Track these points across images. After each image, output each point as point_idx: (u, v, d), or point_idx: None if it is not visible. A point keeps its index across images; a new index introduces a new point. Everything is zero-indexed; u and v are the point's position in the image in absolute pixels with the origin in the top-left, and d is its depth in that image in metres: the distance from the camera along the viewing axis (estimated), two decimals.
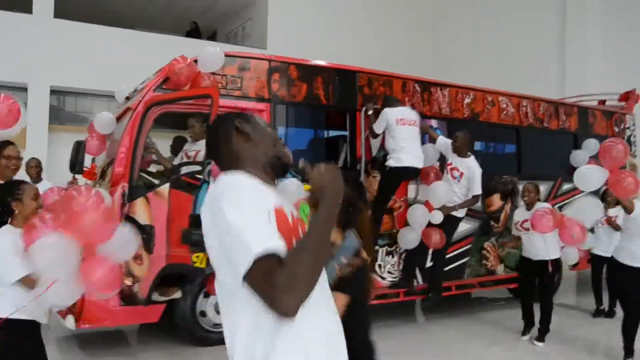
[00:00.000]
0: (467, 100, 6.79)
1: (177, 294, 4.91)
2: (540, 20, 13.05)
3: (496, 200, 7.05)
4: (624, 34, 11.37)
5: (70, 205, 2.54)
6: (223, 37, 16.81)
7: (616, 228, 6.11)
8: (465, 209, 6.09)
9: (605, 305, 6.80)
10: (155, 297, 4.85)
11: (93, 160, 5.88)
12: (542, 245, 5.67)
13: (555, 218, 5.43)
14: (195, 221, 4.24)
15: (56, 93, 11.99)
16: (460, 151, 5.98)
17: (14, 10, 11.26)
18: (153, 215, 4.40)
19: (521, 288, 6.19)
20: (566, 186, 7.70)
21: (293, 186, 3.76)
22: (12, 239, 2.85)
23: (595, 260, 6.81)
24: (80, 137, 5.95)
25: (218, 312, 5.13)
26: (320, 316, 1.51)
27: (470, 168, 5.93)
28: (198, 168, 4.66)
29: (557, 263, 5.91)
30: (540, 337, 5.60)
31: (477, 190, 5.97)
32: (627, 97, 8.99)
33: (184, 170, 4.67)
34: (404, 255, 6.15)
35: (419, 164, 5.72)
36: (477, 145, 7.55)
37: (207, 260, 4.60)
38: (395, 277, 6.14)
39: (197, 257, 4.29)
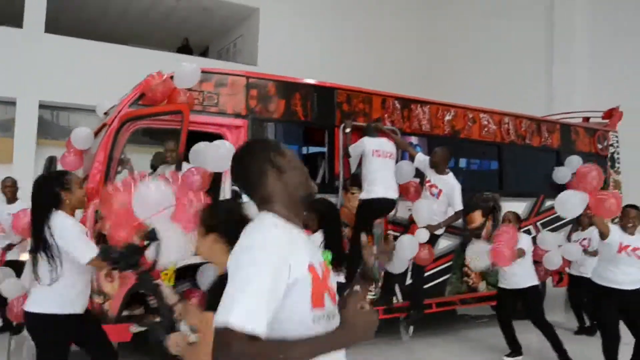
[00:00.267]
0: (447, 117, 6.83)
1: (157, 319, 4.87)
2: (529, 38, 13.19)
3: (477, 217, 7.06)
4: (611, 52, 11.49)
5: None
6: (215, 53, 16.93)
7: (593, 255, 6.10)
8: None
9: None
10: (133, 328, 4.83)
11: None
12: (516, 271, 5.66)
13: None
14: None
15: (49, 108, 12.03)
16: (438, 167, 6.00)
17: (5, 25, 11.31)
18: None
19: (498, 316, 6.04)
20: (549, 203, 7.73)
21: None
22: (74, 222, 3.17)
23: (572, 281, 6.82)
24: None
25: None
26: None
27: (449, 184, 5.94)
28: None
29: (536, 288, 5.87)
30: None
31: (458, 206, 5.97)
32: (610, 114, 9.07)
33: None
34: (382, 272, 6.13)
35: (392, 195, 5.67)
36: (459, 162, 7.60)
37: (175, 278, 4.60)
38: (374, 295, 6.12)
39: (166, 274, 4.27)
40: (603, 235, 4.87)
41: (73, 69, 11.28)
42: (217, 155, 4.41)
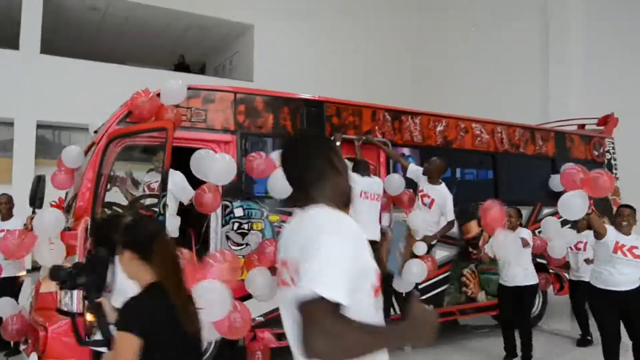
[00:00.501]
0: (439, 128, 6.83)
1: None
2: (523, 43, 13.25)
3: (473, 227, 7.03)
4: (605, 55, 11.51)
5: None
6: (212, 70, 17.05)
7: (590, 263, 6.05)
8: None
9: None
10: None
11: (67, 194, 5.90)
12: (518, 271, 5.67)
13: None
14: None
15: (49, 127, 12.13)
16: (432, 177, 5.99)
17: (1, 47, 11.44)
18: None
19: (500, 316, 6.12)
20: (546, 210, 7.69)
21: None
22: None
23: (572, 286, 6.75)
24: None
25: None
26: None
27: (441, 195, 5.92)
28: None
29: (534, 289, 5.89)
30: None
31: (450, 216, 5.95)
32: (605, 121, 9.05)
33: (145, 202, 4.69)
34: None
35: (375, 236, 5.59)
36: (453, 172, 7.58)
37: None
38: None
39: None
40: (599, 236, 4.85)
41: (70, 89, 11.39)
42: (219, 168, 4.50)
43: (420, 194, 6.04)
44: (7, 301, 5.16)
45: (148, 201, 4.81)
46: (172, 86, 4.84)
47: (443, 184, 5.99)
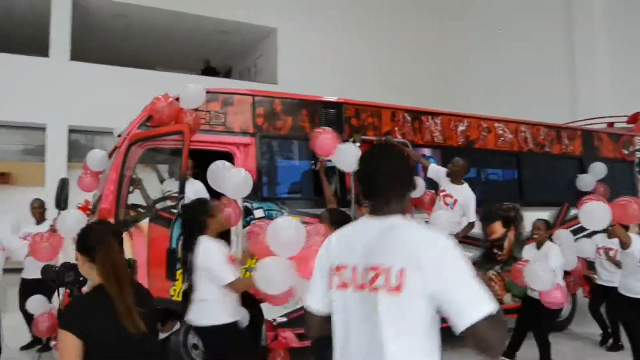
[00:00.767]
0: (461, 128, 6.76)
1: (176, 327, 4.94)
2: (550, 45, 13.03)
3: (498, 228, 6.92)
4: (634, 56, 11.23)
5: None
6: (237, 74, 17.22)
7: (616, 265, 5.92)
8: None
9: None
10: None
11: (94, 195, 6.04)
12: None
13: None
14: (172, 255, 4.31)
15: (82, 132, 12.44)
16: (455, 177, 5.94)
17: (32, 54, 11.78)
18: (135, 249, 4.49)
19: (517, 320, 5.88)
20: (574, 211, 7.54)
21: None
22: (219, 247, 3.46)
23: (595, 289, 6.59)
24: None
25: None
26: None
27: (465, 195, 5.87)
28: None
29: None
30: None
31: (473, 217, 5.90)
32: (635, 118, 8.85)
33: (163, 205, 4.79)
34: None
35: None
36: (475, 173, 7.50)
37: (184, 293, 4.64)
38: None
39: (174, 290, 4.33)
40: (624, 245, 4.74)
41: (100, 94, 11.65)
42: (236, 183, 4.56)
43: (442, 194, 5.99)
44: (38, 299, 5.33)
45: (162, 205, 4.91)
46: (191, 90, 4.91)
47: (466, 184, 5.94)
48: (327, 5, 15.07)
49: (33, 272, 5.78)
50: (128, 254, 4.54)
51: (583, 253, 6.39)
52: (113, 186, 4.75)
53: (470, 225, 5.94)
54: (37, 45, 12.34)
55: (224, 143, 5.32)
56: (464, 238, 6.09)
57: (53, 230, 4.52)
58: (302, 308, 1.95)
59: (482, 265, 6.66)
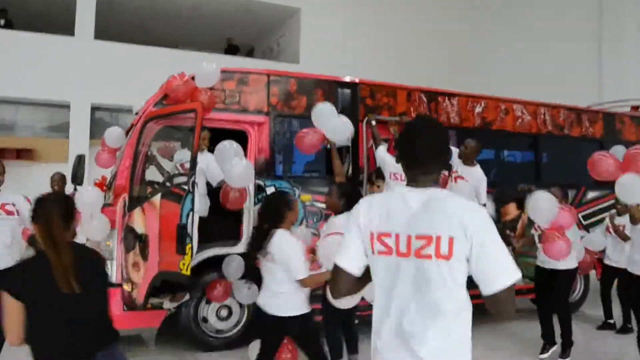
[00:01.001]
0: (478, 109, 6.72)
1: (186, 297, 5.08)
2: (577, 26, 12.72)
3: (512, 209, 6.89)
4: None
5: None
6: (260, 53, 17.24)
7: (623, 238, 5.88)
8: None
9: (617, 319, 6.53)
10: (167, 304, 5.04)
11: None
12: None
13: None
14: (182, 230, 4.42)
15: (107, 110, 12.66)
16: (468, 159, 5.92)
17: (57, 33, 11.98)
18: (147, 224, 4.62)
19: (537, 299, 5.98)
20: (591, 194, 7.48)
21: None
22: (297, 241, 3.53)
23: (605, 271, 6.55)
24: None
25: (219, 318, 5.32)
26: None
27: (477, 177, 5.84)
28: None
29: (571, 273, 5.71)
30: (563, 353, 5.33)
31: (483, 199, 5.88)
32: None
33: (175, 181, 4.90)
34: None
35: None
36: (491, 154, 7.46)
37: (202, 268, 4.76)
38: None
39: (184, 264, 4.45)
40: (634, 220, 4.70)
41: (123, 73, 11.81)
42: (239, 174, 4.58)
43: (454, 175, 5.98)
44: None
45: (176, 180, 5.02)
46: (206, 69, 4.98)
47: (478, 166, 5.91)
48: None
49: None
50: (141, 228, 4.70)
51: (593, 245, 6.36)
52: (128, 162, 4.88)
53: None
54: (63, 25, 12.53)
55: (239, 122, 5.40)
56: None
57: None
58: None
59: None
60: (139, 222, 4.67)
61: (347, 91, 5.94)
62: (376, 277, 1.87)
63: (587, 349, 5.74)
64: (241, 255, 5.13)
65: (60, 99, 11.93)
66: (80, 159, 5.24)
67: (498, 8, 15.04)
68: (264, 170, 5.41)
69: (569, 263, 5.48)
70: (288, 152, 5.81)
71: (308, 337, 3.62)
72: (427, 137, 1.85)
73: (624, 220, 6.15)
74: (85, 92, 11.94)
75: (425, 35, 15.48)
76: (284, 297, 3.45)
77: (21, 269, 2.35)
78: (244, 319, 5.44)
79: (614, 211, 6.55)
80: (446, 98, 6.52)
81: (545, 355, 5.52)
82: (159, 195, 4.61)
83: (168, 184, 5.14)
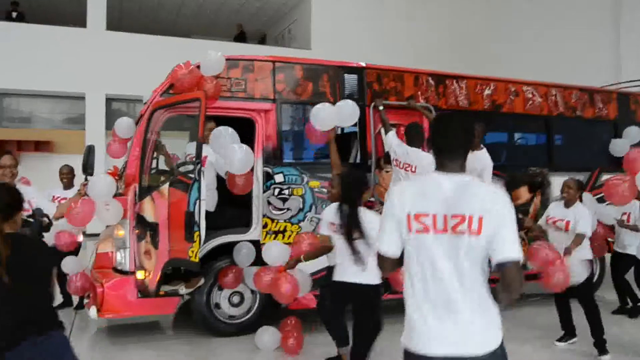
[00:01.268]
0: (487, 92, 6.67)
1: (201, 282, 5.17)
2: (595, 6, 12.48)
3: (524, 193, 6.85)
4: None
5: None
6: (272, 40, 17.22)
7: (633, 229, 5.79)
8: None
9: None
10: (183, 290, 5.14)
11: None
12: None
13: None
14: (189, 218, 4.49)
15: (124, 101, 12.81)
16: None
17: (69, 25, 12.11)
18: (157, 213, 4.70)
19: (555, 296, 5.76)
20: (605, 177, 7.38)
21: None
22: (378, 218, 3.59)
23: (615, 258, 6.46)
24: None
25: (232, 305, 5.40)
26: None
27: (482, 161, 5.78)
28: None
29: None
30: (601, 351, 4.93)
31: (488, 183, 5.84)
32: None
33: (183, 170, 4.98)
34: None
35: None
36: (502, 137, 7.40)
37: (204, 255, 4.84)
38: None
39: (192, 251, 4.53)
40: None
41: (137, 63, 11.92)
42: (238, 159, 4.65)
43: None
44: (72, 259, 5.65)
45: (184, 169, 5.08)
46: (211, 58, 5.02)
47: (484, 150, 5.84)
48: None
49: None
50: (151, 217, 4.78)
51: (604, 218, 6.29)
52: (137, 152, 4.96)
53: None
54: (75, 16, 12.66)
55: (245, 109, 5.43)
56: None
57: (80, 194, 4.74)
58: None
59: None
60: (148, 210, 4.76)
61: (354, 76, 5.93)
62: (412, 254, 2.10)
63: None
64: (252, 242, 5.24)
65: (75, 91, 12.10)
66: (90, 150, 5.32)
67: None
68: (272, 157, 5.45)
69: (586, 253, 5.24)
70: (295, 138, 5.83)
71: (378, 306, 3.96)
72: (456, 128, 2.12)
73: (627, 209, 6.02)
74: (99, 83, 12.09)
75: (439, 19, 15.32)
76: (370, 267, 3.71)
77: None
78: (256, 306, 5.51)
79: None
80: (454, 81, 6.47)
81: (562, 344, 5.37)
82: (167, 184, 4.68)
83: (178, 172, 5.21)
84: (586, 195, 6.09)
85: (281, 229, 5.45)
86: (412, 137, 5.38)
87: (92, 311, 5.01)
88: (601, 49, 12.25)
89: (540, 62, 12.62)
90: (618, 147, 7.37)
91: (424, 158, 5.13)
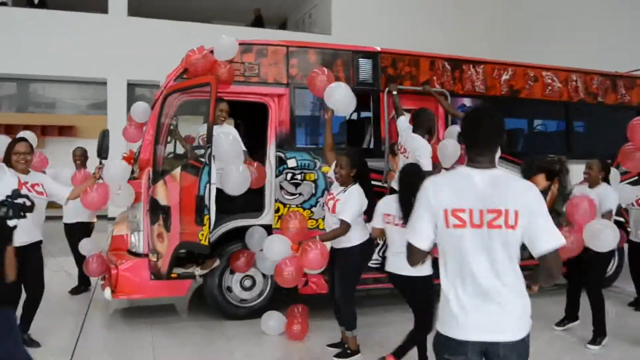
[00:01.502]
0: (505, 77, 6.56)
1: (216, 263, 5.22)
2: None
3: (541, 181, 6.68)
4: None
5: None
6: (293, 25, 17.16)
7: None
8: None
9: None
10: (198, 271, 5.21)
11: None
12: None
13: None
14: (200, 201, 4.53)
15: (146, 86, 12.94)
16: None
17: (91, 11, 12.24)
18: (169, 196, 4.75)
19: (567, 275, 5.72)
20: None
21: None
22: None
23: (632, 247, 6.31)
24: None
25: (244, 288, 5.46)
26: None
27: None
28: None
29: (606, 258, 5.26)
30: (593, 340, 4.94)
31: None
32: None
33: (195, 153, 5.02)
34: None
35: None
36: (519, 124, 7.29)
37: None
38: None
39: (202, 235, 4.57)
40: None
41: (157, 49, 11.95)
42: (234, 181, 4.74)
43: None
44: (88, 242, 5.79)
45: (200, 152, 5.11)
46: (224, 42, 5.03)
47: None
48: None
49: (72, 216, 6.25)
50: (164, 200, 4.84)
51: (622, 198, 6.12)
52: (151, 136, 5.03)
53: None
54: (96, 3, 12.78)
55: (259, 94, 5.45)
56: None
57: (95, 178, 4.82)
58: None
59: None
60: (161, 194, 4.82)
61: (368, 61, 5.89)
62: (449, 248, 2.17)
63: (615, 325, 5.54)
64: (264, 226, 5.27)
65: (97, 76, 12.26)
66: (105, 134, 5.40)
67: None
68: (285, 142, 5.46)
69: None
70: (309, 123, 5.82)
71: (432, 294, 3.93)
72: (488, 125, 2.18)
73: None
74: (120, 69, 12.23)
75: (460, 3, 15.06)
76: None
77: None
78: (267, 290, 5.56)
79: None
80: (471, 66, 6.37)
81: (560, 328, 5.37)
82: (179, 168, 4.72)
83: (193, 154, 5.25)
84: (614, 171, 5.94)
85: None
86: (418, 123, 5.33)
87: (107, 292, 5.13)
88: (628, 34, 11.90)
89: (573, 50, 12.31)
90: None
91: (419, 147, 5.09)
